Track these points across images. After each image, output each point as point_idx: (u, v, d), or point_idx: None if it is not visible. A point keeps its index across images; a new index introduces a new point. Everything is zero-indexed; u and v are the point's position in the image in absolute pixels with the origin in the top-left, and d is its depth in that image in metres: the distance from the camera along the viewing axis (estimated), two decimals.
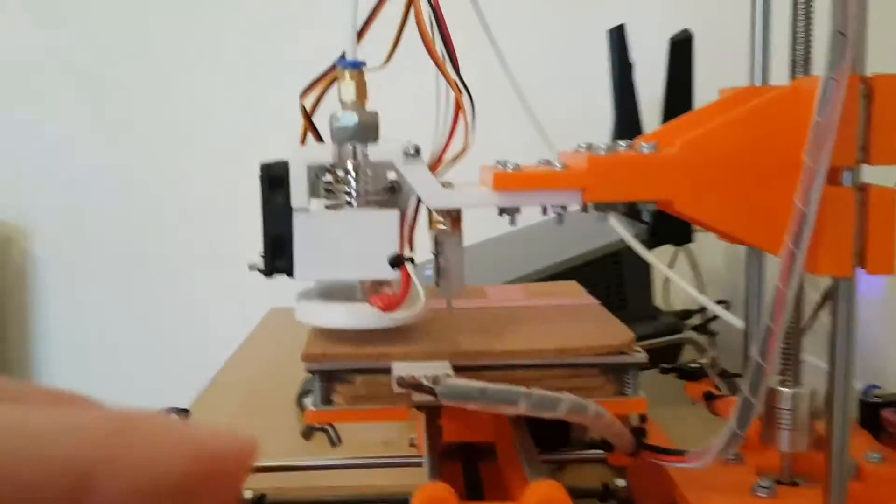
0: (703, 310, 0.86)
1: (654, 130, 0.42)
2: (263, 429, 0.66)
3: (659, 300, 0.90)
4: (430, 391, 0.34)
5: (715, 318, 0.88)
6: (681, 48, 0.66)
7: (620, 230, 0.72)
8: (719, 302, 0.91)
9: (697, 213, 0.38)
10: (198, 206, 1.27)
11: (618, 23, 0.74)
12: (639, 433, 0.41)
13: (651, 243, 0.76)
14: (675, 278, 0.67)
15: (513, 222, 0.39)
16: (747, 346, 0.47)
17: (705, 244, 0.98)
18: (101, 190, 1.29)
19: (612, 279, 0.74)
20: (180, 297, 1.29)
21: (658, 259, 0.73)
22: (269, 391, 0.72)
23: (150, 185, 1.29)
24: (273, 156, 0.39)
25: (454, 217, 0.40)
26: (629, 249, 0.74)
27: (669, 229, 0.78)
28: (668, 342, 0.69)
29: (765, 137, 0.36)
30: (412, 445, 0.54)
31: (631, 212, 0.85)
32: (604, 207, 0.39)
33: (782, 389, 0.41)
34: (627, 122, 0.77)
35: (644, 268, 0.77)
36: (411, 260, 0.38)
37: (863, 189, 0.35)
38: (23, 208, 1.31)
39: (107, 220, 1.30)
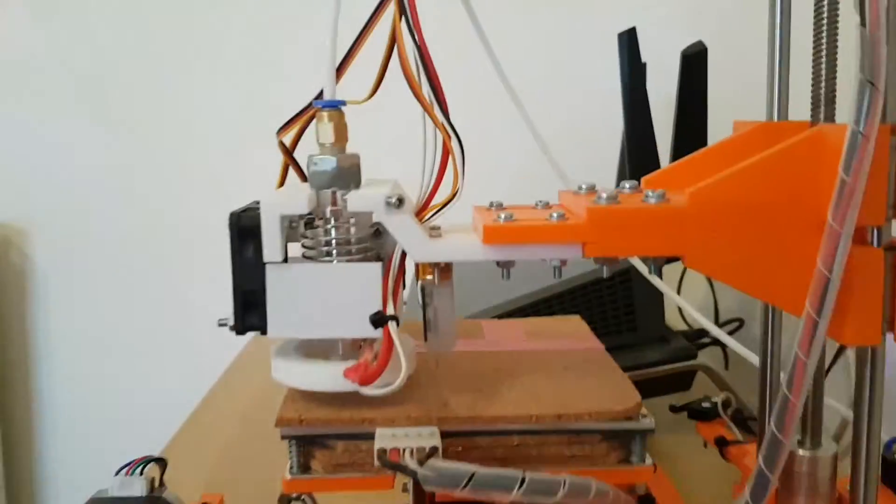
0: (718, 325, 0.83)
1: (661, 170, 0.39)
2: (248, 471, 0.62)
3: (671, 313, 0.86)
4: (414, 476, 0.31)
5: (733, 332, 0.85)
6: (694, 62, 0.62)
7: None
8: (733, 320, 0.88)
9: (710, 270, 0.34)
10: (198, 207, 1.25)
11: (626, 27, 0.69)
12: (646, 501, 0.38)
13: (664, 260, 0.73)
14: (684, 304, 0.64)
15: (506, 276, 0.36)
16: (763, 388, 0.44)
17: None
18: (100, 191, 1.27)
19: (621, 300, 0.71)
20: (180, 298, 1.27)
21: (670, 269, 0.69)
22: (253, 429, 0.69)
23: (150, 186, 1.27)
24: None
25: (443, 268, 0.37)
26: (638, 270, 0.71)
27: None
28: (680, 369, 0.66)
29: (783, 189, 0.32)
30: (405, 491, 0.51)
31: None
32: (608, 261, 0.35)
33: (800, 452, 0.38)
34: (640, 135, 0.73)
35: (654, 288, 0.73)
36: (395, 319, 0.35)
37: (892, 248, 0.32)
38: (21, 209, 1.29)
39: (106, 221, 1.28)
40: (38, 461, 1.35)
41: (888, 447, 0.43)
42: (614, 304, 0.72)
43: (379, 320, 0.35)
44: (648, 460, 0.36)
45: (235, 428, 0.72)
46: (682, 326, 0.87)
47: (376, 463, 0.33)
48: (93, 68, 1.26)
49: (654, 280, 0.66)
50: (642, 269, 0.65)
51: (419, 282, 0.38)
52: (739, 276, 0.34)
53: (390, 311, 0.35)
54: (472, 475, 0.30)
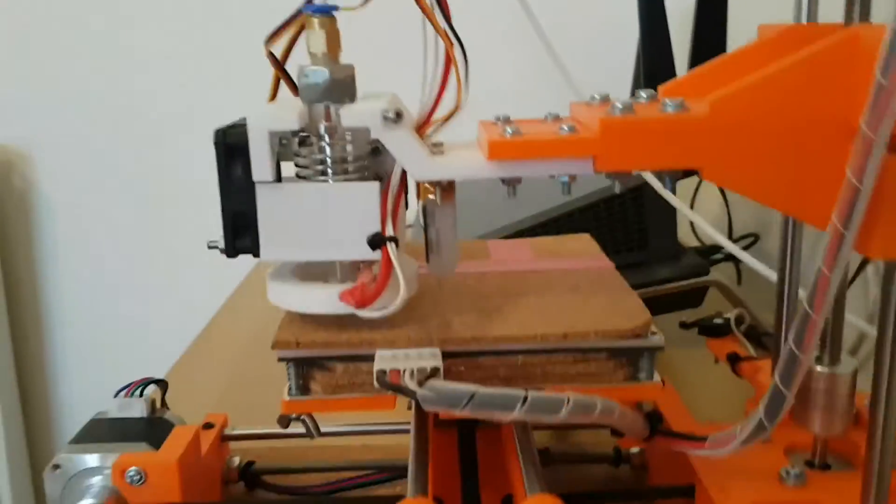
0: (731, 240, 0.81)
1: (678, 78, 0.36)
2: (252, 394, 0.62)
3: (683, 229, 0.84)
4: (413, 396, 0.29)
5: (747, 247, 0.83)
6: None
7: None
8: (748, 236, 0.86)
9: (730, 183, 0.32)
10: (203, 127, 1.22)
11: None
12: (653, 419, 0.37)
13: (678, 175, 0.70)
14: (698, 219, 0.62)
15: (513, 193, 0.34)
16: (780, 305, 0.42)
17: None
18: (102, 115, 1.25)
19: (633, 217, 0.69)
20: (186, 217, 1.26)
21: (683, 184, 0.67)
22: (257, 352, 0.69)
23: (152, 109, 1.24)
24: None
25: (445, 187, 0.35)
26: (650, 185, 0.69)
27: None
28: (691, 285, 0.65)
29: (812, 97, 0.30)
30: (410, 409, 0.50)
31: None
32: (620, 176, 0.33)
33: (818, 369, 0.37)
34: (656, 42, 0.69)
35: (667, 203, 0.71)
36: (394, 240, 0.33)
37: None
38: (23, 133, 1.27)
39: (109, 144, 1.26)
40: (50, 378, 1.37)
41: None
42: (625, 222, 0.70)
43: (377, 241, 0.33)
44: (656, 377, 0.35)
45: (240, 352, 0.72)
46: (694, 243, 0.86)
47: (376, 385, 0.31)
48: None
49: (668, 196, 0.64)
50: (656, 184, 0.63)
51: (420, 202, 0.37)
52: (762, 188, 0.32)
53: (389, 231, 0.33)
54: (473, 395, 0.29)
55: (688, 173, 0.75)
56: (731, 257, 0.82)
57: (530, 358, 0.35)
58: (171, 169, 1.25)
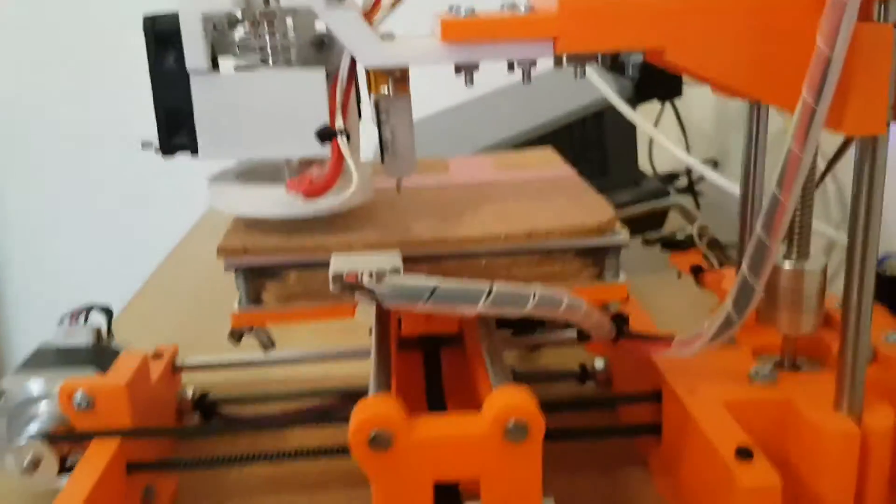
0: (690, 171, 0.80)
1: None
2: (203, 335, 0.60)
3: (643, 162, 0.83)
4: (372, 294, 0.28)
5: (703, 178, 0.82)
6: None
7: (602, 86, 0.65)
8: (706, 162, 0.85)
9: (694, 64, 0.31)
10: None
11: None
12: (619, 320, 0.35)
13: (636, 100, 0.69)
14: (660, 138, 0.61)
15: (469, 81, 0.32)
16: (744, 213, 0.42)
17: (692, 98, 0.91)
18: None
19: (593, 143, 0.67)
20: (119, 184, 1.22)
21: (642, 117, 0.66)
22: (209, 291, 0.66)
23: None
24: None
25: (398, 77, 0.32)
26: (611, 109, 0.67)
27: (656, 83, 0.70)
28: (653, 209, 0.64)
29: None
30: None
31: (614, 65, 0.77)
32: (580, 59, 0.32)
33: (787, 264, 0.36)
34: None
35: (628, 129, 0.69)
36: (345, 133, 0.31)
37: None
38: None
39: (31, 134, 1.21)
40: None
41: (879, 263, 0.42)
42: (586, 148, 0.68)
43: (326, 134, 0.31)
44: (622, 277, 0.34)
45: (190, 295, 0.69)
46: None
47: (332, 287, 0.29)
48: None
49: (631, 115, 0.62)
50: (624, 108, 0.62)
51: (372, 96, 0.34)
52: (727, 69, 0.30)
53: (339, 125, 0.31)
54: (435, 289, 0.27)
55: (647, 97, 0.73)
56: (689, 189, 0.81)
57: (494, 260, 0.33)
58: (108, 106, 1.20)
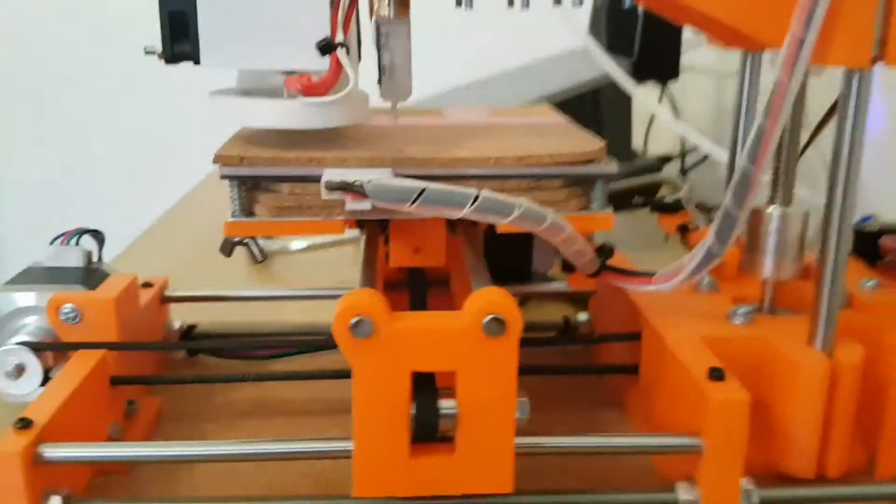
0: (683, 155, 0.81)
1: None
2: (200, 274, 0.61)
3: (640, 145, 0.84)
4: (362, 192, 0.28)
5: (696, 164, 0.84)
6: None
7: (604, 61, 0.65)
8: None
9: None
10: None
11: None
12: (604, 251, 0.36)
13: (635, 79, 0.70)
14: (658, 110, 0.62)
15: (469, 4, 0.33)
16: (730, 176, 0.42)
17: (689, 91, 0.92)
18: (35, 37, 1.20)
19: (591, 117, 0.68)
20: (120, 141, 1.23)
21: (644, 109, 0.67)
22: (211, 242, 0.67)
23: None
24: None
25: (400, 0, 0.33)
26: (610, 87, 0.68)
27: (655, 64, 0.71)
28: (645, 183, 0.64)
29: None
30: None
31: (616, 45, 0.77)
32: None
33: (770, 208, 0.37)
34: None
35: (624, 106, 0.71)
36: (344, 46, 0.31)
37: None
38: None
39: (45, 67, 1.21)
40: None
41: (861, 221, 0.43)
42: (583, 123, 0.69)
43: (327, 47, 0.31)
44: (609, 208, 0.35)
45: (188, 246, 0.69)
46: None
47: (324, 192, 0.30)
48: None
49: (631, 88, 0.63)
50: (623, 80, 0.63)
51: (373, 19, 0.35)
52: (719, 2, 0.31)
53: (340, 38, 0.32)
54: (423, 190, 0.28)
55: (646, 77, 0.74)
56: (681, 172, 0.82)
57: (484, 183, 0.34)
58: (107, 84, 1.21)
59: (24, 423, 0.31)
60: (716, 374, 0.31)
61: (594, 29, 0.82)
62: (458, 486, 0.29)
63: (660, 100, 0.86)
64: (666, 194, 0.54)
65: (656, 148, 0.89)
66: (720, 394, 0.30)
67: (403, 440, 0.28)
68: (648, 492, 0.32)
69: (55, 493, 0.31)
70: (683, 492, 0.31)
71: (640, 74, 0.70)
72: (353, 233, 0.62)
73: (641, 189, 0.65)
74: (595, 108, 0.70)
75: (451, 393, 0.28)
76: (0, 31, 1.21)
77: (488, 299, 0.27)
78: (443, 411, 0.28)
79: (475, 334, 0.27)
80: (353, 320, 0.26)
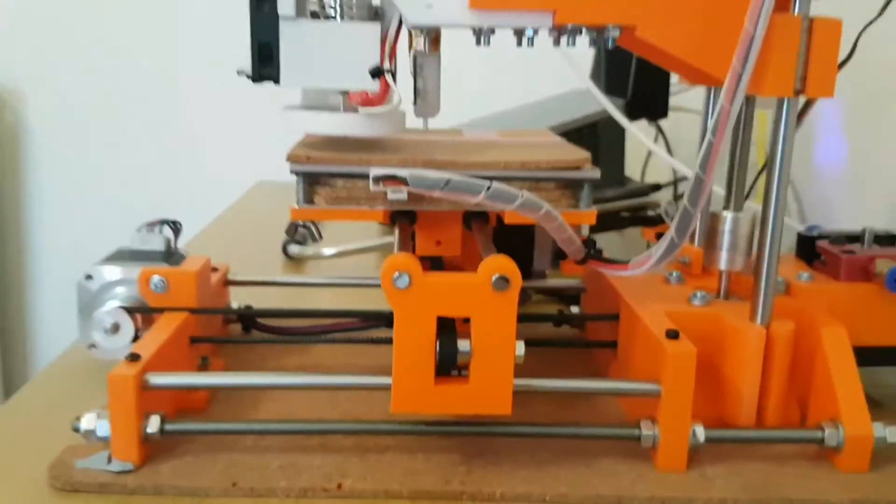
0: (675, 183, 0.90)
1: None
2: (251, 263, 0.70)
3: (637, 175, 0.94)
4: (402, 180, 0.37)
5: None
6: None
7: (602, 98, 0.75)
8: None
9: (658, 38, 0.41)
10: (190, 73, 1.29)
11: None
12: (589, 243, 0.45)
13: (629, 117, 0.80)
14: (648, 143, 0.71)
15: (486, 42, 0.42)
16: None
17: (682, 130, 1.02)
18: (91, 52, 1.30)
19: (589, 146, 0.78)
20: (171, 157, 1.33)
21: (640, 145, 0.76)
22: (256, 242, 0.76)
23: (143, 50, 1.30)
24: None
25: (433, 38, 0.43)
26: (606, 120, 0.78)
27: (646, 104, 0.81)
28: (634, 205, 0.74)
29: None
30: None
31: (613, 88, 0.87)
32: (572, 32, 0.42)
33: (725, 213, 0.45)
34: None
35: (619, 138, 0.80)
36: (391, 72, 0.41)
37: (809, 19, 0.38)
38: (15, 71, 1.32)
39: (100, 82, 1.31)
40: (27, 311, 1.41)
41: (809, 229, 0.51)
42: None
43: (376, 72, 0.41)
44: (593, 207, 0.44)
45: (235, 251, 0.79)
46: None
47: (371, 183, 0.39)
48: None
49: (624, 122, 0.73)
50: (618, 115, 0.72)
51: (411, 52, 0.45)
52: (684, 45, 0.40)
53: (387, 66, 0.41)
54: (449, 180, 0.37)
55: (638, 116, 0.84)
56: (673, 200, 0.91)
57: (495, 183, 0.43)
58: (161, 104, 1.31)
59: (134, 357, 0.39)
60: (672, 334, 0.40)
61: (595, 73, 0.92)
62: (470, 407, 0.37)
63: (656, 136, 0.96)
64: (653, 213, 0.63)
65: (654, 177, 0.98)
66: (674, 347, 0.39)
67: (430, 370, 0.37)
68: (618, 426, 0.40)
69: (155, 414, 0.39)
70: (645, 428, 0.40)
71: (633, 113, 0.80)
72: (379, 241, 0.71)
73: (631, 210, 0.74)
74: (593, 139, 0.79)
75: (467, 335, 0.37)
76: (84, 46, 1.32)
77: (497, 262, 0.36)
78: (461, 349, 0.37)
79: (486, 288, 0.36)
80: (396, 274, 0.35)
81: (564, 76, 0.79)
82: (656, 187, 0.86)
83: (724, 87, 0.39)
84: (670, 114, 0.85)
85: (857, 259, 0.46)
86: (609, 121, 0.76)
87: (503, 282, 0.36)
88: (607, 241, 0.77)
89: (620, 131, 0.80)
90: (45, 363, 1.42)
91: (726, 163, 0.46)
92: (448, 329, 0.37)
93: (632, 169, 0.91)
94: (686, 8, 0.40)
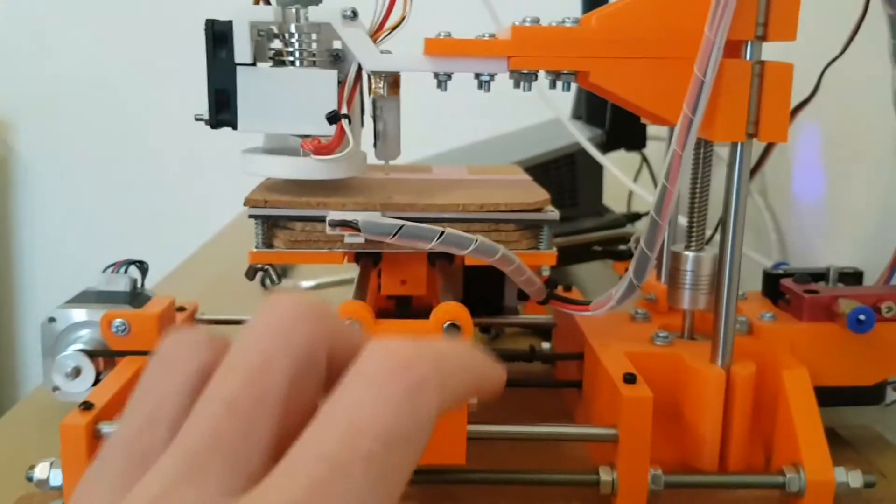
0: None
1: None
2: (224, 305, 0.70)
3: (622, 209, 0.94)
4: (356, 227, 0.37)
5: None
6: None
7: (575, 133, 0.75)
8: None
9: (611, 84, 0.41)
10: (177, 106, 1.29)
11: None
12: (550, 283, 0.45)
13: (607, 147, 0.80)
14: (620, 175, 0.71)
15: (444, 88, 0.42)
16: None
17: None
18: (81, 86, 1.31)
19: (566, 179, 0.78)
20: (157, 189, 1.33)
21: (623, 173, 0.77)
22: (234, 277, 0.76)
23: (133, 85, 1.31)
24: None
25: (391, 82, 0.43)
26: (583, 152, 0.78)
27: (624, 134, 0.81)
28: (610, 235, 0.73)
29: (676, 15, 0.39)
30: None
31: (592, 118, 0.88)
32: (527, 77, 0.42)
33: (686, 252, 0.45)
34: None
35: (596, 170, 0.80)
36: (347, 117, 0.41)
37: (760, 63, 0.39)
38: (5, 104, 1.33)
39: (90, 114, 1.32)
40: (18, 341, 1.41)
41: (775, 267, 0.51)
42: (559, 184, 0.79)
43: (333, 117, 0.41)
44: (553, 248, 0.44)
45: (215, 281, 0.79)
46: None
47: (328, 228, 0.39)
48: None
49: (598, 156, 0.73)
50: (592, 150, 0.72)
51: (371, 96, 0.45)
52: (635, 89, 0.41)
53: (344, 111, 0.41)
54: (402, 226, 0.37)
55: (616, 146, 0.84)
56: None
57: (454, 226, 0.43)
58: (147, 135, 1.32)
59: (87, 406, 0.39)
60: (629, 378, 0.40)
61: (577, 105, 0.92)
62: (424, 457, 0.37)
63: (639, 170, 0.96)
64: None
65: (640, 205, 0.98)
66: (630, 392, 0.39)
67: None
68: (576, 473, 0.40)
69: None
70: (604, 473, 0.39)
71: (611, 143, 0.80)
72: (357, 273, 0.71)
73: (607, 241, 0.73)
74: (570, 170, 0.79)
75: None
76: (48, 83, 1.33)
77: (447, 309, 0.36)
78: None
79: (437, 336, 0.36)
80: (347, 323, 0.35)
81: (543, 106, 0.79)
82: (636, 217, 0.86)
83: (675, 133, 0.39)
84: (652, 143, 0.85)
85: (820, 298, 0.46)
86: (586, 151, 0.76)
87: (454, 329, 0.36)
88: (583, 272, 0.77)
89: (598, 162, 0.80)
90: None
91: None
92: None
93: (618, 197, 0.91)
94: (637, 53, 0.40)
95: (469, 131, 0.97)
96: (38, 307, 1.40)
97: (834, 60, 0.51)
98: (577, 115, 0.92)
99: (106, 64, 1.31)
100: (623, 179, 0.69)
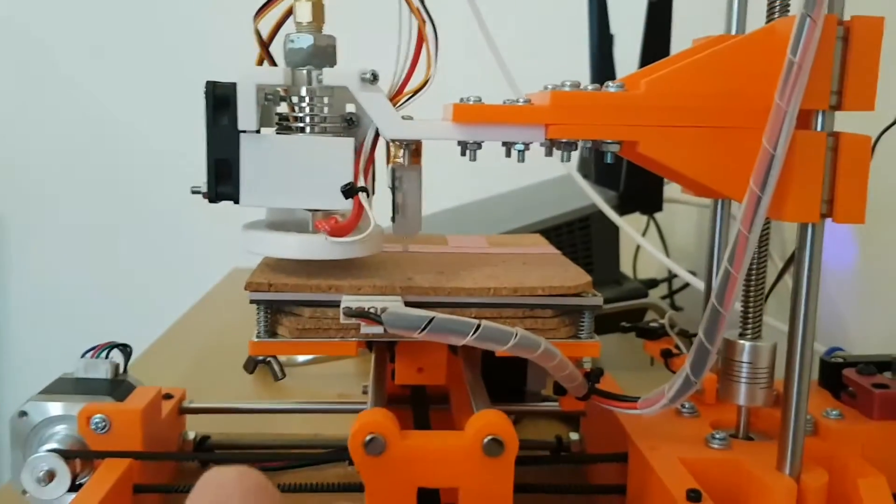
0: (669, 279, 0.86)
1: (627, 75, 0.41)
2: (213, 381, 0.64)
3: (629, 271, 0.89)
4: (377, 319, 0.32)
5: (681, 288, 0.88)
6: (659, 9, 0.65)
7: (591, 193, 0.71)
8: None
9: (662, 155, 0.36)
10: (164, 155, 1.25)
11: None
12: (593, 375, 0.40)
13: (621, 210, 0.76)
14: (642, 241, 0.66)
15: (473, 158, 0.38)
16: (707, 304, 0.46)
17: (675, 218, 0.98)
18: (69, 175, 1.28)
19: (581, 243, 0.73)
20: (150, 228, 1.28)
21: (626, 223, 0.72)
22: (224, 346, 0.71)
23: (117, 136, 1.27)
24: None
25: (413, 150, 0.38)
26: (599, 215, 0.74)
27: (639, 197, 0.77)
28: (631, 306, 0.69)
29: (736, 79, 0.34)
30: (364, 393, 0.52)
31: (603, 179, 0.84)
32: (566, 146, 0.37)
33: (742, 341, 0.40)
34: (604, 63, 0.77)
35: (612, 233, 0.76)
36: (365, 190, 0.36)
37: (835, 135, 0.34)
38: None
39: (77, 205, 1.28)
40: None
41: (829, 353, 0.46)
42: (573, 248, 0.74)
43: (350, 191, 0.36)
44: (596, 337, 0.38)
45: (205, 346, 0.73)
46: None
47: (342, 318, 0.34)
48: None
49: (616, 220, 0.68)
50: (609, 212, 0.68)
51: (389, 166, 0.40)
52: (689, 161, 0.36)
53: (361, 183, 0.37)
54: (432, 319, 0.32)
55: (631, 209, 0.80)
56: (668, 296, 0.86)
57: (482, 311, 0.38)
58: (132, 179, 1.27)
59: None
60: (693, 496, 0.34)
61: (584, 162, 0.88)
62: None
63: (646, 229, 0.92)
64: (652, 318, 0.58)
65: (646, 270, 0.94)
66: None
67: None
68: None
69: None
70: None
71: (625, 206, 0.76)
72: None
73: (628, 312, 0.69)
74: (585, 234, 0.75)
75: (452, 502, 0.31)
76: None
77: (487, 420, 0.31)
78: None
79: (475, 453, 0.30)
80: (368, 438, 0.30)
81: (549, 162, 0.76)
82: (652, 283, 0.81)
83: (741, 213, 0.34)
84: (664, 204, 0.81)
85: (892, 394, 0.41)
86: (602, 214, 0.71)
87: (496, 445, 0.30)
88: (605, 349, 0.71)
89: (614, 226, 0.75)
90: None
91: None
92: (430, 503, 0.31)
93: (622, 261, 0.86)
94: (691, 122, 0.35)
95: (470, 186, 0.92)
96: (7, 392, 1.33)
97: (888, 129, 0.47)
98: (583, 174, 0.88)
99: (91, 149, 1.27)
100: (651, 250, 0.65)
